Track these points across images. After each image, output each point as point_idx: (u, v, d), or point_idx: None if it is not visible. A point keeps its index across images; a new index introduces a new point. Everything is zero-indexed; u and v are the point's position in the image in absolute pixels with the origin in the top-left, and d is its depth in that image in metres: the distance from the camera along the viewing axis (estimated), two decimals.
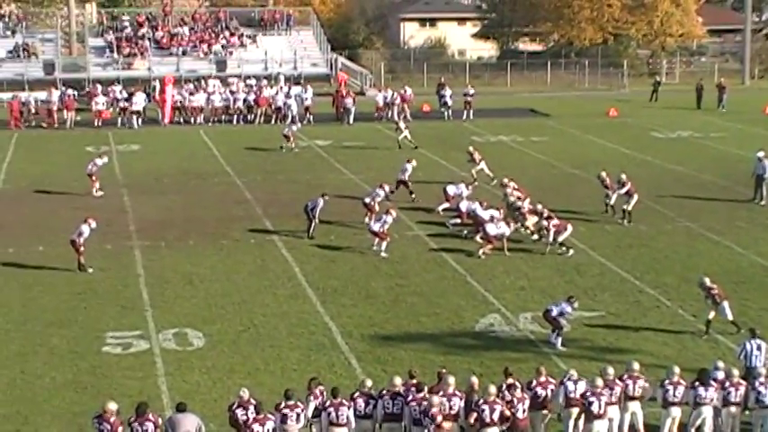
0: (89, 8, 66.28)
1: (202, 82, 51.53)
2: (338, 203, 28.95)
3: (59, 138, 43.91)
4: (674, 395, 15.33)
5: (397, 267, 24.70)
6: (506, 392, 14.84)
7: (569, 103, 57.07)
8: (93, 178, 32.24)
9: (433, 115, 49.69)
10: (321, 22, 65.75)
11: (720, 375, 15.64)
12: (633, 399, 15.53)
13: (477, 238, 26.11)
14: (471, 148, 34.66)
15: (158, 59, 57.47)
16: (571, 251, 25.52)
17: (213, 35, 60.53)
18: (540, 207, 26.67)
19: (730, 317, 19.90)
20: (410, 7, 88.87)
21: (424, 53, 74.31)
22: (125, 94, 47.86)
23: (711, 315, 19.97)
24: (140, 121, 46.88)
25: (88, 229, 24.21)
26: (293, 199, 30.99)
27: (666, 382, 15.43)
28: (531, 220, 26.83)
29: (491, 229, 25.51)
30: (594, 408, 14.87)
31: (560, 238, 25.53)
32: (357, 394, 14.90)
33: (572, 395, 15.14)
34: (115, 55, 57.78)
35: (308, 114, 47.56)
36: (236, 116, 47.89)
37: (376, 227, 25.76)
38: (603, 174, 29.73)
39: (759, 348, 17.04)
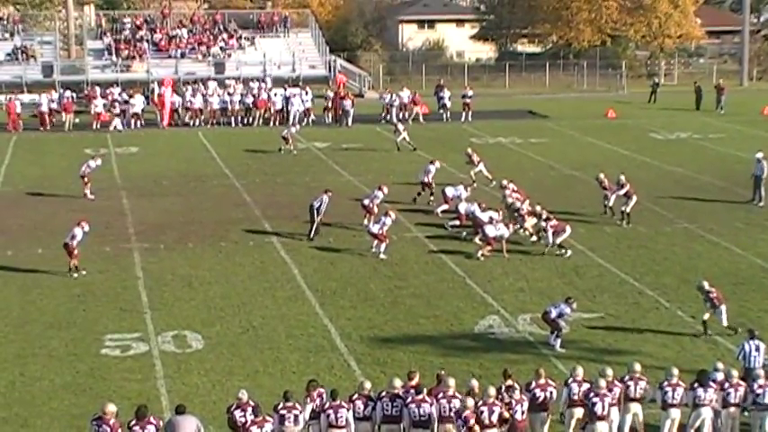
0: (87, 10, 66.11)
1: (200, 84, 51.50)
2: (337, 205, 28.92)
3: (58, 140, 43.86)
4: (673, 397, 15.31)
5: (396, 269, 24.69)
6: (505, 394, 14.84)
7: (568, 104, 57.07)
8: (86, 180, 32.10)
9: (432, 117, 49.67)
10: (319, 24, 65.65)
11: (720, 376, 15.61)
12: (634, 400, 15.51)
13: (476, 239, 26.13)
14: (470, 150, 34.70)
15: (157, 62, 57.37)
16: (569, 252, 25.53)
17: (211, 37, 60.46)
18: (538, 208, 26.65)
19: (725, 323, 19.86)
20: (408, 9, 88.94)
21: (423, 55, 74.32)
22: (125, 96, 47.89)
23: (707, 316, 19.99)
24: (139, 123, 47.00)
25: (81, 232, 24.07)
26: (292, 201, 30.99)
27: (665, 384, 15.41)
28: (530, 222, 26.83)
29: (490, 231, 25.51)
30: (597, 409, 14.85)
31: (559, 240, 25.54)
32: (356, 396, 14.87)
33: (575, 396, 15.15)
34: (114, 57, 57.70)
35: (307, 117, 47.59)
36: (233, 118, 47.91)
37: (375, 228, 25.75)
38: (602, 175, 29.75)
39: (758, 349, 17.06)
